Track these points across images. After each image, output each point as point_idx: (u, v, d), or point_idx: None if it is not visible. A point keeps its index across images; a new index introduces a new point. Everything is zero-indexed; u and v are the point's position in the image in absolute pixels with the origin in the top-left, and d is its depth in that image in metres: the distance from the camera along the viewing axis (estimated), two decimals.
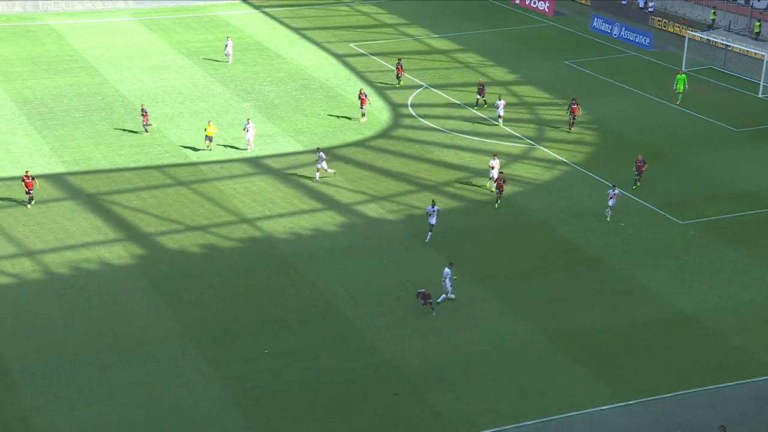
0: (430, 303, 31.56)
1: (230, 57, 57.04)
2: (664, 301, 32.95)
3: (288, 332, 31.19)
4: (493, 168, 40.65)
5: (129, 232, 37.32)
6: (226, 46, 57.09)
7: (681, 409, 27.60)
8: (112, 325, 31.28)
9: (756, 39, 57.42)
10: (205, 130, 44.42)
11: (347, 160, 44.44)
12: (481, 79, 51.32)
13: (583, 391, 28.42)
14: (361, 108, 48.40)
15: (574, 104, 47.23)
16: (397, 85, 53.98)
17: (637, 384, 28.67)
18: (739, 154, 45.15)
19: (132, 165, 43.36)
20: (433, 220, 36.28)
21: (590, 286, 33.91)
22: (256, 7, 71.01)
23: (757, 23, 59.70)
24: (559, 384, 28.83)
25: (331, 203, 40.25)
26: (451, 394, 28.31)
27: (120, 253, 35.68)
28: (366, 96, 48.37)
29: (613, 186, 38.59)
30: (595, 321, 31.88)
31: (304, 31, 65.26)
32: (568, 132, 46.99)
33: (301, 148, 45.48)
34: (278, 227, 38.03)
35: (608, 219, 37.97)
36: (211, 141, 44.36)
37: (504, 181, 39.22)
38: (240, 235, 37.46)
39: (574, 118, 47.17)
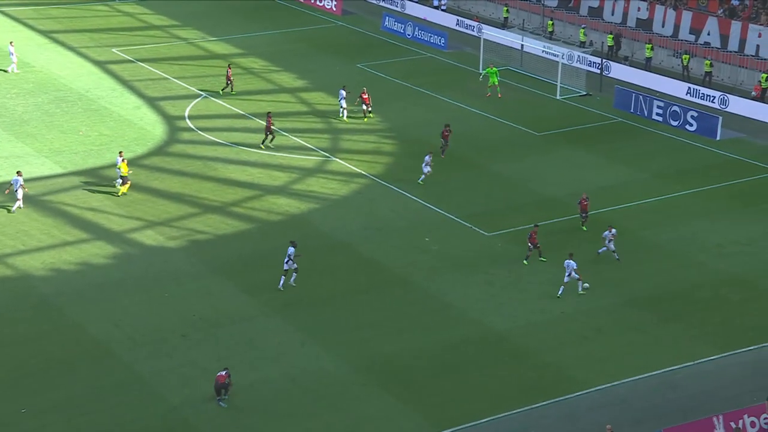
0: (222, 399, 28.67)
1: (14, 65, 54.55)
2: (475, 319, 34.01)
3: (52, 385, 29.53)
4: (426, 165, 43.12)
5: None
6: (11, 53, 54.36)
7: None
8: None
9: (550, 38, 61.03)
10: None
11: (114, 182, 42.93)
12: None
13: (394, 424, 28.72)
14: (269, 132, 46.42)
15: (446, 131, 46.40)
16: (229, 93, 53.33)
17: (451, 411, 29.29)
18: (542, 159, 47.64)
19: None
20: (296, 265, 34.53)
21: (398, 308, 34.44)
22: None
23: (550, 22, 63.60)
24: (369, 418, 29.00)
25: (99, 232, 38.74)
26: None
27: None
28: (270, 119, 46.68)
29: (609, 227, 37.54)
30: (404, 345, 32.38)
31: (54, 35, 62.54)
32: (441, 157, 46.21)
33: (60, 171, 43.38)
34: (35, 263, 36.15)
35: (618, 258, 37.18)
36: (124, 183, 41.28)
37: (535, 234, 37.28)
38: None
39: (446, 144, 46.29)
